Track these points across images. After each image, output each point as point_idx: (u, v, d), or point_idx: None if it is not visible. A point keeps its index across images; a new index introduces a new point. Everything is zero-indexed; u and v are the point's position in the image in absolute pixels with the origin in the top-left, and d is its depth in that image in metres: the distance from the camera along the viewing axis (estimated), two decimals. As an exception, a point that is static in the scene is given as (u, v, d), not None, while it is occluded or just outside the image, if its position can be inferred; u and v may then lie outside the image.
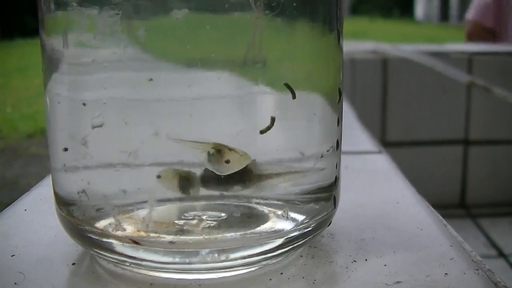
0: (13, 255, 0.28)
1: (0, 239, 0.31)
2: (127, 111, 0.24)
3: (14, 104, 3.94)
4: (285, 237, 0.26)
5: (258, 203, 0.26)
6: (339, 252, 0.29)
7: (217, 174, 0.24)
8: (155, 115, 0.24)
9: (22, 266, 0.27)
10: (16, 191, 2.15)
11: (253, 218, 0.26)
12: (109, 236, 0.25)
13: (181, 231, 0.25)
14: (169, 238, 0.24)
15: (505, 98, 1.27)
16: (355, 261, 0.28)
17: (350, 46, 1.51)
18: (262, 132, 0.24)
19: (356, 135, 0.62)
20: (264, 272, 0.27)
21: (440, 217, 0.34)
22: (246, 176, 0.25)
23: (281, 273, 0.27)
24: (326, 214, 0.28)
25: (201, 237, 0.24)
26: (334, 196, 0.29)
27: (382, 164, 0.48)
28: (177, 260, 0.25)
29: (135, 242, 0.25)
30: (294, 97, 0.25)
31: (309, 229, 0.27)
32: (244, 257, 0.25)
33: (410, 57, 1.37)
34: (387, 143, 1.42)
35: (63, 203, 0.27)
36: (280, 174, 0.25)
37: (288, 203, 0.27)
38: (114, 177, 0.25)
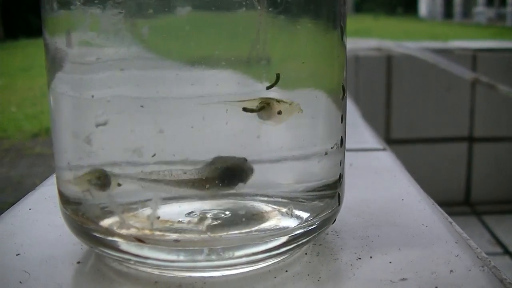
0: (18, 254, 0.29)
1: (5, 238, 0.31)
2: (131, 109, 0.24)
3: (19, 104, 3.95)
4: (290, 235, 0.26)
5: (262, 201, 0.26)
6: (344, 249, 0.29)
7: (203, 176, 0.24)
8: (159, 113, 0.24)
9: (27, 265, 0.27)
10: (20, 190, 2.16)
11: (258, 215, 0.26)
12: (113, 234, 0.25)
13: (186, 229, 0.25)
14: (174, 236, 0.24)
15: (510, 95, 1.26)
16: (360, 258, 0.28)
17: (354, 43, 1.51)
18: (268, 88, 0.24)
19: (360, 132, 0.62)
20: (268, 269, 0.27)
21: (445, 214, 0.34)
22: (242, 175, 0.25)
23: (286, 271, 0.27)
24: (331, 211, 0.28)
25: (206, 235, 0.24)
26: (339, 194, 0.29)
27: (387, 161, 0.47)
28: (181, 258, 0.25)
29: (140, 241, 0.25)
30: (273, 84, 0.24)
31: (313, 226, 0.27)
32: (248, 255, 0.25)
33: (414, 54, 1.37)
34: (391, 140, 1.42)
35: (68, 202, 0.27)
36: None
37: (292, 201, 0.26)
38: (119, 175, 0.25)
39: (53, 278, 0.26)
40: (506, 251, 1.29)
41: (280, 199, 0.26)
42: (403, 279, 0.26)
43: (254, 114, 0.24)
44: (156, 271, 0.26)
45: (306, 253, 0.28)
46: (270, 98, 0.24)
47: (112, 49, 0.24)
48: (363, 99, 1.40)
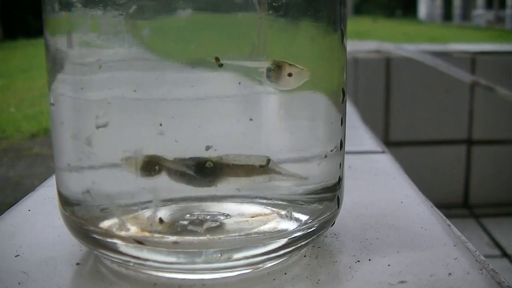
0: (17, 255, 0.29)
1: (4, 239, 0.31)
2: (132, 111, 0.24)
3: (18, 105, 3.95)
4: (289, 237, 0.26)
5: (261, 203, 0.26)
6: (342, 252, 0.29)
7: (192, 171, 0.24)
8: (159, 114, 0.24)
9: (26, 266, 0.27)
10: (19, 191, 2.16)
11: (257, 218, 0.26)
12: (113, 236, 0.25)
13: (185, 231, 0.25)
14: (173, 238, 0.24)
15: (509, 98, 1.26)
16: (358, 261, 0.28)
17: (353, 46, 1.51)
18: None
19: (359, 134, 0.62)
20: (267, 272, 0.27)
21: (444, 217, 0.34)
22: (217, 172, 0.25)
23: (285, 273, 0.27)
24: (330, 214, 0.28)
25: (205, 237, 0.24)
26: (338, 196, 0.29)
27: (386, 164, 0.47)
28: (181, 260, 0.25)
29: (139, 242, 0.25)
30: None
31: (312, 229, 0.27)
32: (247, 257, 0.25)
33: (413, 56, 1.37)
34: (390, 143, 1.42)
35: (67, 203, 0.27)
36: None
37: (291, 203, 0.27)
38: (119, 177, 0.25)
39: (52, 279, 0.26)
40: (504, 254, 1.29)
41: (279, 202, 0.26)
42: (402, 282, 0.26)
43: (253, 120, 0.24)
44: (155, 273, 0.26)
45: (305, 256, 0.28)
46: (283, 61, 0.24)
47: (112, 50, 0.24)
48: (362, 102, 1.40)
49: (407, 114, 1.46)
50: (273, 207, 0.26)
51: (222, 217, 0.26)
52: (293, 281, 0.26)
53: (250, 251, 0.25)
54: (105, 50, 0.24)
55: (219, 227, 0.25)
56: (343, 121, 0.29)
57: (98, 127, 0.24)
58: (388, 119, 1.46)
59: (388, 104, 1.45)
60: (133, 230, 0.25)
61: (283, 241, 0.26)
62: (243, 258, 0.25)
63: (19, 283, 0.26)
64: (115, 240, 0.25)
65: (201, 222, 0.25)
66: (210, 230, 0.25)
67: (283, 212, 0.26)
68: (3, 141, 3.04)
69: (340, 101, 0.28)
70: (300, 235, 0.26)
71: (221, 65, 0.23)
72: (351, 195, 0.35)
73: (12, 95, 4.31)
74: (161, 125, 0.24)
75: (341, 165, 0.29)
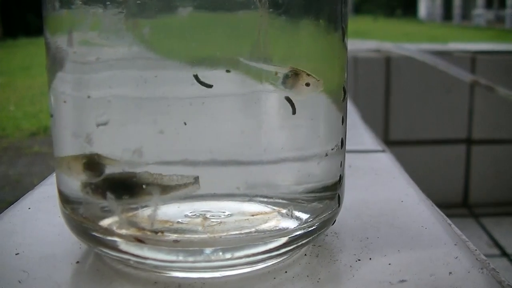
0: (17, 253, 0.28)
1: (4, 237, 0.31)
2: (132, 109, 0.24)
3: (18, 103, 3.95)
4: (289, 236, 0.26)
5: (262, 202, 0.26)
6: (343, 250, 0.29)
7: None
8: (159, 113, 0.24)
9: (26, 264, 0.27)
10: (19, 189, 2.16)
11: (258, 216, 0.26)
12: (113, 234, 0.25)
13: (186, 229, 0.25)
14: (173, 236, 0.24)
15: (509, 97, 1.26)
16: (359, 260, 0.28)
17: (353, 45, 1.51)
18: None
19: (359, 134, 0.62)
20: (268, 270, 0.27)
21: (444, 216, 0.34)
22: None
23: (286, 272, 0.27)
24: (331, 212, 0.28)
25: (206, 235, 0.24)
26: (339, 195, 0.29)
27: (386, 163, 0.47)
28: (181, 258, 0.25)
29: (140, 241, 0.25)
30: (294, 112, 0.25)
31: (313, 228, 0.27)
32: (248, 256, 0.25)
33: (413, 56, 1.37)
34: (390, 142, 1.42)
35: (67, 201, 0.27)
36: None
37: (292, 202, 0.26)
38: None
39: (52, 277, 0.26)
40: (504, 253, 1.29)
41: (280, 200, 0.26)
42: (402, 281, 0.26)
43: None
44: (155, 271, 0.26)
45: (305, 254, 0.28)
46: (301, 70, 0.25)
47: (113, 48, 0.24)
48: (362, 101, 1.40)
49: (407, 113, 1.46)
50: (274, 206, 0.26)
51: (222, 216, 0.26)
52: (294, 279, 0.26)
53: (251, 249, 0.25)
54: (105, 48, 0.24)
55: (220, 226, 0.25)
56: (344, 120, 0.28)
57: (98, 125, 0.24)
58: (388, 118, 1.46)
59: (388, 103, 1.45)
60: (133, 228, 0.25)
61: (283, 239, 0.26)
62: (243, 257, 0.25)
63: (19, 281, 0.26)
64: (115, 238, 0.25)
65: (201, 220, 0.25)
66: (210, 229, 0.25)
67: (283, 211, 0.26)
68: (3, 139, 3.04)
69: (341, 99, 0.28)
70: (300, 233, 0.26)
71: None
72: (352, 194, 0.35)
73: (12, 93, 4.31)
74: (162, 132, 0.24)
75: (342, 164, 0.29)
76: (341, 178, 0.29)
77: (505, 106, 1.42)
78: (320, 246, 0.29)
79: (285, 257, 0.27)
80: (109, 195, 0.25)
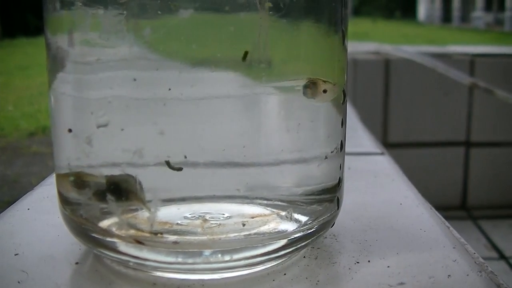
0: (17, 254, 0.28)
1: (4, 238, 0.31)
2: (132, 110, 0.24)
3: (16, 103, 3.94)
4: (288, 238, 0.26)
5: (261, 204, 0.26)
6: (342, 253, 0.29)
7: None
8: (160, 114, 0.24)
9: (25, 265, 0.27)
10: (17, 189, 2.16)
11: (257, 218, 0.26)
12: (112, 235, 0.25)
13: (185, 231, 0.25)
14: (173, 238, 0.24)
15: (507, 100, 1.27)
16: (358, 262, 0.28)
17: (352, 47, 1.51)
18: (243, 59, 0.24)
19: (358, 136, 0.62)
20: (267, 272, 0.27)
21: (443, 219, 0.34)
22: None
23: (284, 274, 0.27)
24: (330, 215, 0.28)
25: (205, 237, 0.24)
26: (338, 197, 0.29)
27: (385, 165, 0.48)
28: (180, 260, 0.25)
29: (139, 242, 0.25)
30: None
31: (312, 230, 0.27)
32: (247, 258, 0.25)
33: (412, 58, 1.38)
34: (388, 144, 1.42)
35: (67, 202, 0.27)
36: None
37: (291, 204, 0.27)
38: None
39: (51, 278, 0.26)
40: (502, 256, 1.29)
41: (279, 203, 0.26)
42: (401, 284, 0.26)
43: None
44: (154, 273, 0.26)
45: (304, 257, 0.28)
46: (317, 78, 0.25)
47: (113, 49, 0.24)
48: (361, 103, 1.40)
49: (406, 115, 1.46)
50: (273, 208, 0.26)
51: (221, 218, 0.26)
52: (293, 282, 0.26)
53: (250, 251, 0.25)
54: (106, 49, 0.24)
55: (219, 228, 0.25)
56: (343, 122, 0.29)
57: (98, 126, 0.24)
58: (387, 120, 1.46)
59: (387, 106, 1.45)
60: (133, 230, 0.25)
61: (282, 242, 0.26)
62: (242, 259, 0.25)
63: (18, 282, 0.26)
64: (114, 240, 0.25)
65: (201, 222, 0.25)
66: (210, 230, 0.25)
67: (283, 213, 0.26)
68: (1, 139, 3.04)
69: (341, 102, 0.28)
70: (299, 236, 0.26)
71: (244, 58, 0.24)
72: (351, 196, 0.35)
73: (11, 93, 4.30)
74: (162, 133, 0.24)
75: (341, 167, 0.29)
76: (340, 180, 0.29)
77: (504, 109, 1.42)
78: (319, 248, 0.29)
79: (284, 259, 0.27)
80: (109, 196, 0.25)
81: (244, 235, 0.25)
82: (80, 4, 0.24)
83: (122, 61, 0.24)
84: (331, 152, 0.27)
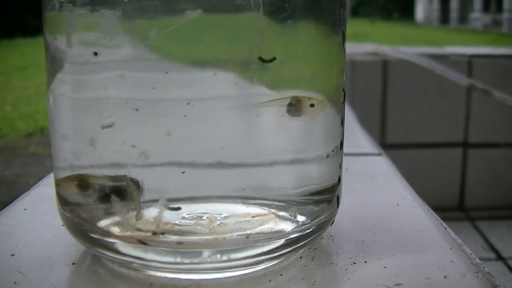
0: (13, 255, 0.28)
1: (0, 238, 0.31)
2: (139, 111, 0.24)
3: (14, 103, 3.94)
4: (286, 238, 0.26)
5: (259, 204, 0.26)
6: (339, 253, 0.29)
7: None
8: (160, 115, 0.24)
9: (22, 266, 0.27)
10: (14, 190, 2.15)
11: (256, 218, 0.26)
12: (112, 236, 0.25)
13: (189, 231, 0.25)
14: (176, 238, 0.24)
15: (505, 101, 1.27)
16: (354, 263, 0.28)
17: (351, 48, 1.51)
18: (264, 61, 0.24)
19: (356, 137, 0.62)
20: (263, 273, 0.27)
21: (440, 220, 0.34)
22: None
23: (281, 274, 0.27)
24: (328, 215, 0.28)
25: (211, 237, 0.24)
26: (338, 196, 0.29)
27: (382, 166, 0.48)
28: (178, 260, 0.25)
29: (142, 243, 0.24)
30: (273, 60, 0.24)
31: (310, 230, 0.27)
32: (245, 258, 0.25)
33: (410, 59, 1.38)
34: (386, 145, 1.42)
35: (67, 203, 0.27)
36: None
37: (292, 204, 0.27)
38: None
39: (48, 279, 0.26)
40: (499, 257, 1.29)
41: (277, 203, 0.26)
42: (398, 284, 0.26)
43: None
44: (151, 273, 0.26)
45: (301, 257, 0.28)
46: (301, 96, 0.25)
47: (114, 50, 0.24)
48: (359, 104, 1.40)
49: (404, 116, 1.46)
50: (271, 208, 0.26)
51: (219, 217, 0.26)
52: (289, 282, 0.26)
53: (248, 251, 0.25)
54: (107, 50, 0.24)
55: (223, 227, 0.25)
56: (342, 122, 0.29)
57: (103, 127, 0.24)
58: (384, 121, 1.46)
59: (385, 107, 1.45)
60: (136, 230, 0.25)
61: (280, 241, 0.26)
62: (241, 259, 0.25)
63: (14, 283, 0.26)
64: (113, 240, 0.25)
65: (207, 222, 0.25)
66: (216, 230, 0.25)
67: (281, 213, 0.26)
68: (-1, 139, 3.03)
69: (341, 102, 0.28)
70: (298, 236, 0.26)
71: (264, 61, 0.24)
72: (348, 197, 0.35)
73: (9, 94, 4.29)
74: (168, 134, 0.24)
75: (340, 166, 0.29)
76: (340, 179, 0.29)
77: (502, 110, 1.43)
78: (315, 249, 0.29)
79: (282, 259, 0.27)
80: (113, 197, 0.25)
81: (243, 234, 0.25)
82: (80, 4, 0.24)
83: (123, 62, 0.24)
84: (332, 151, 0.27)
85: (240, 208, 0.26)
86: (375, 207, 0.36)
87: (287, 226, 0.26)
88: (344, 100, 0.28)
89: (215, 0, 0.23)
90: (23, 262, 0.28)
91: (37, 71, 4.93)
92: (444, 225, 0.33)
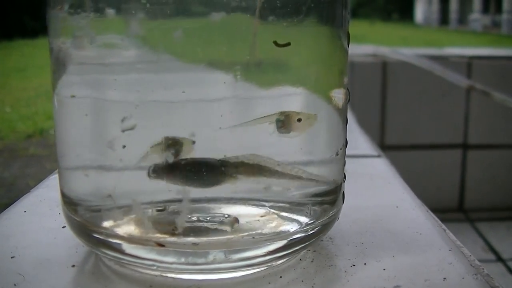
0: (13, 257, 0.28)
1: (0, 241, 0.31)
2: (158, 113, 0.24)
3: (13, 105, 3.93)
4: (288, 239, 0.26)
5: (263, 205, 0.26)
6: (338, 256, 0.29)
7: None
8: (187, 116, 0.24)
9: (22, 268, 0.27)
10: (14, 191, 2.15)
11: (265, 217, 0.26)
12: (117, 236, 0.25)
13: (208, 232, 0.25)
14: (191, 240, 0.24)
15: (504, 103, 1.27)
16: (354, 265, 0.28)
17: (350, 49, 1.51)
18: (279, 45, 0.24)
19: (355, 138, 0.62)
20: (263, 275, 0.27)
21: (439, 222, 0.34)
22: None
23: (280, 277, 0.27)
24: (331, 216, 0.28)
25: (228, 236, 0.24)
26: (343, 194, 0.29)
27: (381, 168, 0.48)
28: (183, 260, 0.25)
29: (160, 245, 0.24)
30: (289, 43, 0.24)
31: (313, 231, 0.27)
32: (248, 258, 0.25)
33: (410, 60, 1.38)
34: (385, 147, 1.42)
35: (71, 203, 0.27)
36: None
37: (295, 206, 0.27)
38: (141, 179, 0.25)
39: (48, 281, 0.26)
40: (499, 258, 1.29)
41: (280, 204, 0.26)
42: (397, 286, 0.26)
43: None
44: (151, 273, 0.26)
45: (300, 259, 0.28)
46: (289, 111, 0.25)
47: (121, 52, 0.24)
48: (358, 105, 1.40)
49: (403, 118, 1.46)
50: (275, 209, 0.26)
51: (222, 218, 0.26)
52: (289, 284, 0.26)
53: (251, 252, 0.25)
54: (114, 51, 0.24)
55: (240, 227, 0.25)
56: (346, 122, 0.29)
57: (124, 130, 0.24)
58: (384, 123, 1.46)
59: (384, 108, 1.45)
60: (156, 232, 0.25)
61: (282, 242, 0.26)
62: (244, 259, 0.25)
63: (14, 285, 0.26)
64: (118, 241, 0.25)
65: (231, 222, 0.25)
66: (239, 229, 0.25)
67: (285, 214, 0.26)
68: (-2, 141, 3.03)
69: (346, 101, 0.28)
70: (300, 236, 0.26)
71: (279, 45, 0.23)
72: (347, 199, 0.35)
73: (8, 95, 4.29)
74: (194, 136, 0.24)
75: (344, 165, 0.29)
76: (345, 177, 0.29)
77: (501, 111, 1.43)
78: (315, 251, 0.29)
79: (286, 259, 0.27)
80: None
81: (246, 235, 0.25)
82: (87, 5, 0.24)
83: (129, 64, 0.24)
84: (340, 149, 0.28)
85: (249, 210, 0.26)
86: (374, 209, 0.36)
87: (290, 227, 0.26)
88: (349, 100, 0.29)
89: (214, 1, 0.23)
90: (23, 264, 0.28)
91: (36, 73, 4.93)
92: (443, 227, 0.33)
